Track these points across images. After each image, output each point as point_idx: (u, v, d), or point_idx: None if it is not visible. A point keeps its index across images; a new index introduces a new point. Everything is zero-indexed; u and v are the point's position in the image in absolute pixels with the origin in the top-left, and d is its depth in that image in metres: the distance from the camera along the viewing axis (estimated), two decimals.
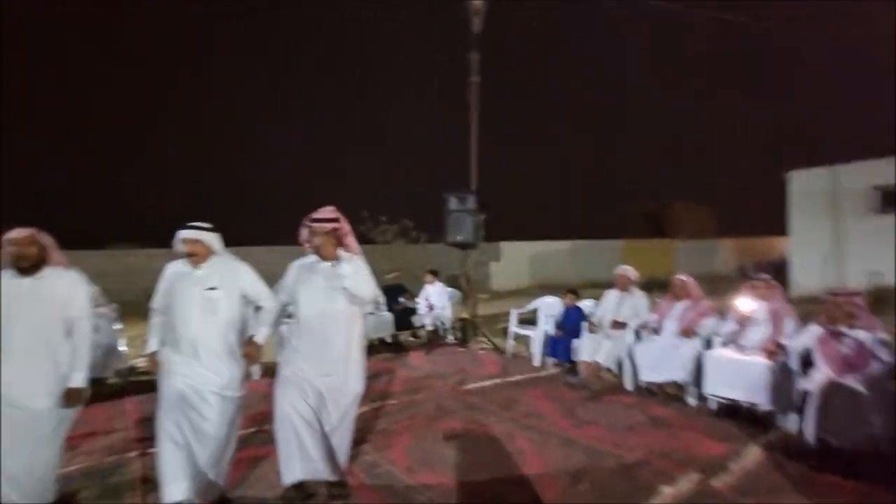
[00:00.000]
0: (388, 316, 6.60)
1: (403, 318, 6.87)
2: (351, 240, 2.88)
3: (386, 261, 10.35)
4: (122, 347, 5.75)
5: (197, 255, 2.60)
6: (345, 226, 2.83)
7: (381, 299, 6.36)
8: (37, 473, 2.46)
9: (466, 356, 6.22)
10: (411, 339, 7.24)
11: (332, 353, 2.73)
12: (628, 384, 4.66)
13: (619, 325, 4.96)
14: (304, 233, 2.83)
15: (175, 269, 2.68)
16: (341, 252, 2.79)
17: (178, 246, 2.61)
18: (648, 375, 4.48)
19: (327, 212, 2.79)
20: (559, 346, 5.34)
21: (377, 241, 12.10)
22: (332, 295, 2.74)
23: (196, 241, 2.59)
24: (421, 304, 7.45)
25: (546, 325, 5.75)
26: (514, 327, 6.16)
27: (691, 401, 4.20)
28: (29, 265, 2.46)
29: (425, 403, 4.40)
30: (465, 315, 6.71)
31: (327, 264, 2.77)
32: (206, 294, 2.58)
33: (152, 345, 2.67)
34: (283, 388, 2.72)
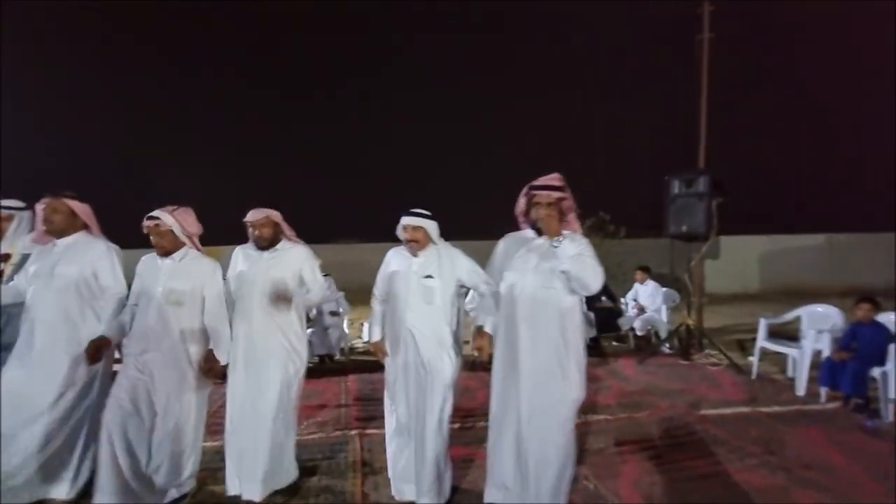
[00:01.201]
0: (588, 315, 5.92)
1: (606, 319, 6.09)
2: (573, 217, 2.41)
3: None
4: (346, 329, 6.44)
5: (417, 243, 2.49)
6: (570, 198, 2.36)
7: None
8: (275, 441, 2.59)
9: (693, 372, 5.12)
10: (615, 343, 6.41)
11: (542, 349, 2.29)
12: None
13: None
14: (521, 203, 2.44)
15: (394, 257, 2.64)
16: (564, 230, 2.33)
17: (400, 232, 2.54)
18: None
19: (553, 178, 2.34)
20: (843, 373, 3.90)
21: None
22: (548, 278, 2.30)
23: (417, 228, 2.49)
24: (629, 305, 6.55)
25: (817, 343, 4.30)
26: (763, 341, 4.81)
27: None
28: (266, 243, 2.65)
29: (650, 426, 3.64)
30: (688, 321, 5.56)
31: (545, 241, 2.32)
32: (423, 282, 2.47)
33: (375, 333, 2.65)
34: (498, 388, 2.40)
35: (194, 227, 2.62)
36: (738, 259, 13.19)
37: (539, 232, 2.36)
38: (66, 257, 2.54)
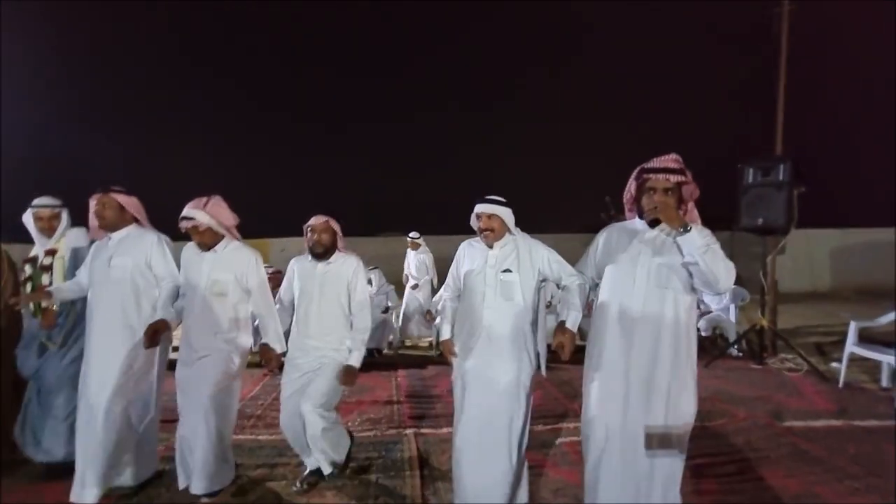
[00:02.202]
0: None
1: None
2: (692, 205, 2.09)
3: None
4: (395, 323, 6.40)
5: (493, 232, 2.31)
6: (692, 182, 2.03)
7: None
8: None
9: (768, 377, 4.71)
10: None
11: (656, 358, 1.98)
12: None
13: None
14: (630, 188, 2.12)
15: (468, 250, 2.47)
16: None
17: (474, 221, 2.37)
18: None
19: (669, 160, 2.02)
20: None
21: None
22: (665, 276, 1.98)
23: (492, 216, 2.31)
24: None
25: None
26: (853, 346, 4.34)
27: None
28: (322, 251, 2.67)
29: (727, 437, 3.33)
30: (762, 322, 5.12)
31: (660, 233, 2.02)
32: (502, 277, 2.28)
33: (444, 332, 2.49)
34: (594, 394, 2.10)
35: (230, 218, 2.63)
36: (808, 254, 12.20)
37: (652, 223, 2.01)
38: (120, 250, 2.60)
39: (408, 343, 6.63)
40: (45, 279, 2.87)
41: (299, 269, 2.77)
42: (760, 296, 5.28)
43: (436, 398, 4.30)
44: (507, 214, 2.31)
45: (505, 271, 2.28)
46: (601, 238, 2.24)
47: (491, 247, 2.34)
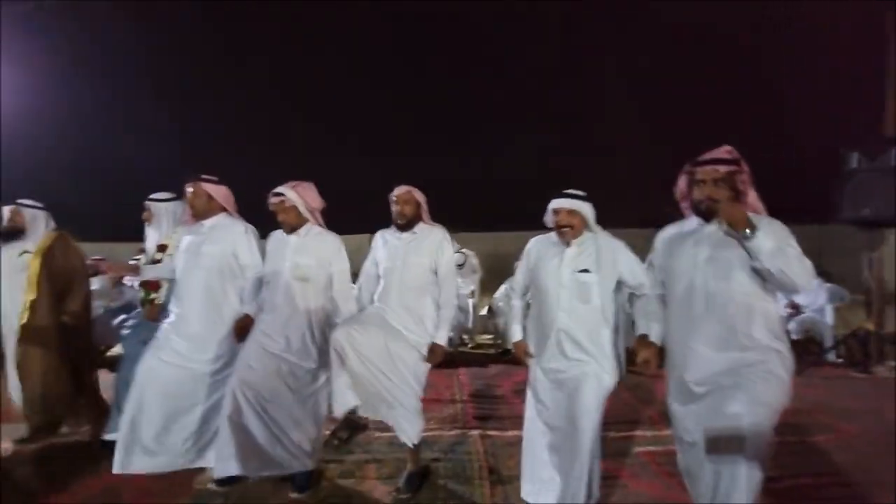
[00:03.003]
0: None
1: None
2: (755, 196, 1.93)
3: None
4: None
5: (572, 229, 2.16)
6: (746, 172, 1.90)
7: None
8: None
9: (877, 388, 4.18)
10: None
11: (723, 357, 1.84)
12: None
13: None
14: (681, 183, 2.04)
15: (540, 245, 2.33)
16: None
17: (549, 217, 2.24)
18: None
19: (721, 152, 1.93)
20: None
21: None
22: (727, 270, 1.85)
23: (573, 212, 2.16)
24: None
25: None
26: None
27: None
28: (405, 222, 2.58)
29: (836, 455, 2.97)
30: (867, 325, 4.56)
31: (717, 227, 1.88)
32: (578, 277, 2.13)
33: (515, 333, 2.39)
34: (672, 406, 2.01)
35: (317, 201, 2.66)
36: None
37: (706, 217, 1.91)
38: (211, 237, 2.67)
39: (466, 339, 6.57)
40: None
41: (383, 240, 2.69)
42: (865, 296, 4.71)
43: (500, 399, 4.20)
44: (588, 210, 2.16)
45: (582, 271, 2.13)
46: (658, 242, 2.13)
47: (568, 244, 2.19)
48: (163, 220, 3.08)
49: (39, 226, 3.17)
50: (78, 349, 3.23)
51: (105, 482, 2.56)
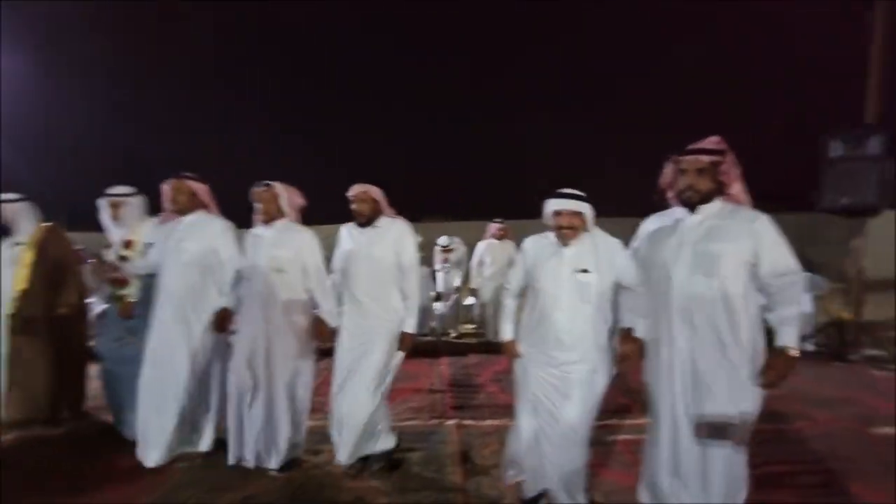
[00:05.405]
0: None
1: None
2: (738, 187, 1.92)
3: None
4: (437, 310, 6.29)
5: (574, 230, 2.09)
6: (731, 162, 1.89)
7: None
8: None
9: (854, 377, 4.21)
10: None
11: (705, 352, 1.86)
12: None
13: None
14: (666, 173, 2.02)
15: (538, 245, 2.25)
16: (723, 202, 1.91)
17: (549, 218, 2.16)
18: None
19: (707, 143, 1.92)
20: None
21: None
22: (708, 262, 1.85)
23: (576, 214, 2.08)
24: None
25: None
26: None
27: None
28: (364, 220, 2.62)
29: (808, 443, 2.97)
30: (843, 314, 4.58)
31: (699, 218, 1.91)
32: (578, 277, 2.08)
33: (507, 332, 2.33)
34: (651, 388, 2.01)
35: (299, 199, 2.76)
36: (890, 238, 10.89)
37: (690, 207, 1.91)
38: (190, 233, 2.73)
39: (449, 330, 6.51)
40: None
41: (348, 235, 2.73)
42: (844, 285, 4.72)
43: (478, 388, 4.16)
44: (589, 211, 2.09)
45: (581, 271, 2.08)
46: (643, 231, 2.12)
47: (567, 245, 2.13)
48: (129, 214, 3.03)
49: (25, 218, 3.24)
50: (70, 340, 3.24)
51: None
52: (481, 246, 6.01)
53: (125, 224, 3.00)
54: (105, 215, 3.03)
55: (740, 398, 1.83)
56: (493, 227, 5.86)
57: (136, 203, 3.06)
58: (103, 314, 3.26)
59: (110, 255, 3.01)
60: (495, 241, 5.91)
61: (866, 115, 4.67)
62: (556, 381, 2.13)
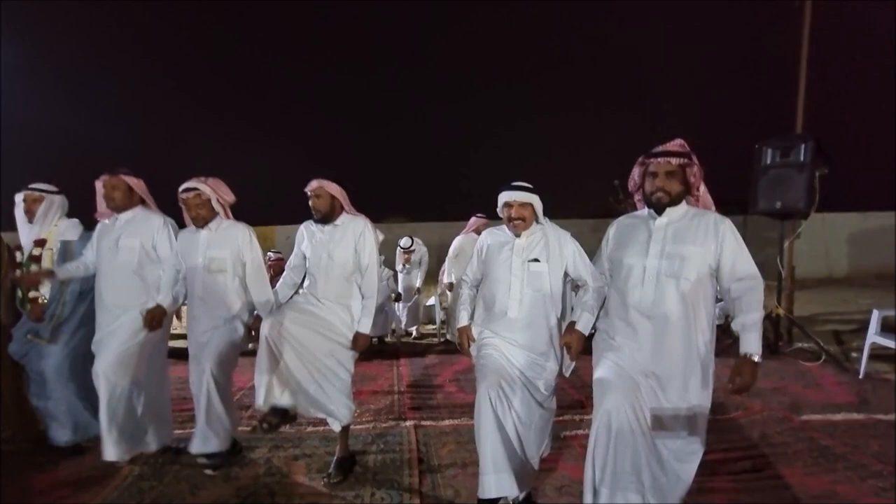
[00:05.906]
0: None
1: None
2: (705, 190, 2.02)
3: None
4: (397, 311, 6.27)
5: (524, 221, 2.18)
6: (697, 166, 1.96)
7: None
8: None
9: (785, 368, 4.53)
10: None
11: (669, 350, 1.91)
12: None
13: None
14: (634, 175, 2.08)
15: (492, 238, 2.34)
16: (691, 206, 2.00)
17: (501, 210, 2.24)
18: None
19: (674, 145, 1.98)
20: None
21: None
22: (674, 264, 1.89)
23: (525, 205, 2.18)
24: None
25: None
26: (875, 335, 4.14)
27: None
28: (321, 216, 2.58)
29: (740, 431, 3.18)
30: (778, 310, 4.92)
31: (666, 220, 1.96)
32: (529, 267, 2.17)
33: (463, 318, 2.40)
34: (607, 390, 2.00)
35: (229, 195, 2.70)
36: (823, 238, 11.84)
37: (657, 209, 1.96)
38: (128, 230, 2.64)
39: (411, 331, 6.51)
40: (33, 269, 2.82)
41: (308, 232, 2.69)
42: (777, 282, 5.07)
43: (437, 388, 4.18)
44: (538, 203, 2.18)
45: (533, 261, 2.16)
46: (611, 230, 2.17)
47: (518, 235, 2.21)
48: (48, 213, 2.87)
49: None
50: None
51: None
52: (458, 240, 6.01)
53: (39, 223, 2.85)
54: (19, 212, 2.86)
55: (693, 397, 1.92)
56: (478, 221, 5.82)
57: (54, 202, 2.90)
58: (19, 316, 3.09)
59: (20, 257, 2.87)
60: (474, 235, 5.90)
61: (797, 124, 5.05)
62: (509, 372, 2.16)
